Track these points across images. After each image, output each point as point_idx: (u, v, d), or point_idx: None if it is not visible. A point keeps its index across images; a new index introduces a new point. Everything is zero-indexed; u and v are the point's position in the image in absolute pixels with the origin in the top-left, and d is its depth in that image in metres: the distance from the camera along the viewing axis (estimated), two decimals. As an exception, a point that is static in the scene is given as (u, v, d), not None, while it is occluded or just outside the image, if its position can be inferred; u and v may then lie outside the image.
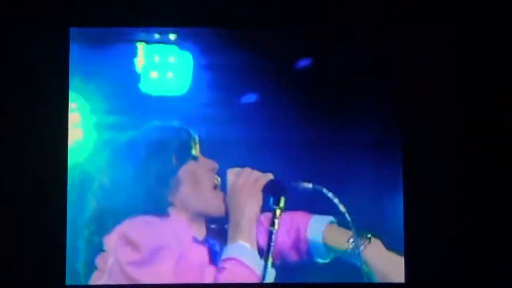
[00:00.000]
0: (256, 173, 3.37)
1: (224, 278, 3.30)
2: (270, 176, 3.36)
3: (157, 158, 3.46)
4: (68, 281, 3.29)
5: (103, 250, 3.32)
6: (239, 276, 3.29)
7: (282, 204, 3.28)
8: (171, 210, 3.39)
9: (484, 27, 3.45)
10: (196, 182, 3.43)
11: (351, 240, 3.29)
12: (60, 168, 3.31)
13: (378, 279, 3.29)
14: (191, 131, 3.50)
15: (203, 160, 3.47)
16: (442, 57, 3.47)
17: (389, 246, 3.30)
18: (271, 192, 3.31)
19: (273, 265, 3.26)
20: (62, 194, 3.29)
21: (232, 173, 3.39)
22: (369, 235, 3.29)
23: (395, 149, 3.43)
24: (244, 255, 3.31)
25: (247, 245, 3.31)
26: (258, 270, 3.27)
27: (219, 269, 3.32)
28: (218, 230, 3.42)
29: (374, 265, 3.30)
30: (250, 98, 3.55)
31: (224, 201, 3.39)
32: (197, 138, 3.49)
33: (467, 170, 3.42)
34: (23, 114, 3.38)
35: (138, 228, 3.36)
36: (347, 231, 3.29)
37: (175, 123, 3.55)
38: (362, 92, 3.47)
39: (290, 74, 3.48)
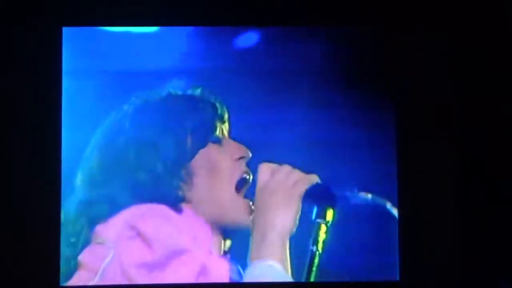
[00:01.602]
0: (298, 174, 2.71)
1: None
2: (315, 179, 2.74)
3: (166, 137, 2.81)
4: (62, 281, 3.20)
5: (98, 243, 2.73)
6: None
7: (329, 217, 2.66)
8: (184, 207, 2.77)
9: (484, 27, 3.46)
10: (215, 174, 2.76)
11: None
12: (53, 167, 3.28)
13: None
14: (219, 104, 2.90)
15: (230, 144, 2.84)
16: (442, 58, 3.47)
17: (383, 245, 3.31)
18: (314, 201, 2.68)
19: None
20: (56, 193, 3.26)
21: (265, 169, 2.73)
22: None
23: (390, 148, 3.43)
24: (273, 278, 2.63)
25: (277, 266, 2.62)
26: None
27: None
28: (238, 245, 2.76)
29: None
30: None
31: (247, 208, 2.75)
32: (226, 114, 2.90)
33: (463, 169, 3.42)
34: (15, 114, 3.36)
35: (151, 219, 2.68)
36: None
37: (197, 91, 2.95)
38: (360, 92, 3.43)
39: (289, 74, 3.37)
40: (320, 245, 2.64)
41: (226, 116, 2.88)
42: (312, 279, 2.61)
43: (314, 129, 3.31)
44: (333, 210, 2.66)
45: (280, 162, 2.78)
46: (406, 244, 3.36)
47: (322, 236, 2.64)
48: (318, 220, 2.65)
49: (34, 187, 3.30)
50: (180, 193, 2.75)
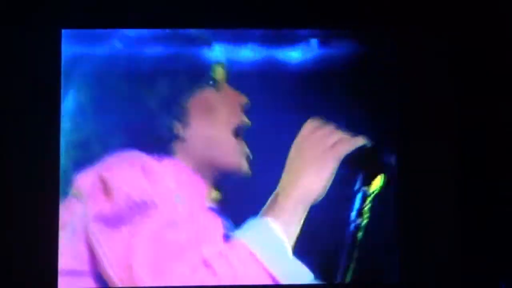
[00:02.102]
0: (341, 134, 2.54)
1: (214, 273, 2.42)
2: (360, 141, 2.53)
3: (163, 75, 2.72)
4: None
5: (74, 194, 2.64)
6: (239, 272, 2.45)
7: (377, 185, 2.40)
8: (177, 148, 2.66)
9: (484, 27, 3.47)
10: (211, 117, 2.68)
11: None
12: (52, 167, 3.27)
13: None
14: (218, 47, 2.86)
15: (227, 90, 2.77)
16: (442, 58, 3.48)
17: (382, 245, 3.31)
18: (359, 166, 2.43)
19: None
20: (55, 193, 3.25)
21: (309, 125, 2.61)
22: None
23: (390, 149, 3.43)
24: (260, 243, 2.48)
25: (276, 227, 2.48)
26: (280, 273, 2.50)
27: (216, 256, 2.44)
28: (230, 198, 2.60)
29: None
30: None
31: (245, 153, 2.68)
32: (224, 59, 2.85)
33: (463, 169, 3.42)
34: (15, 114, 3.36)
35: (122, 167, 2.54)
36: None
37: (197, 31, 2.87)
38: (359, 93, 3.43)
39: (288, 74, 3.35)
40: (365, 216, 2.42)
41: (224, 61, 2.82)
42: (353, 260, 2.42)
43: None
44: (383, 176, 2.41)
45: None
46: (406, 245, 3.35)
47: (367, 206, 2.38)
48: (364, 188, 2.42)
49: (34, 187, 3.30)
50: (175, 131, 2.65)
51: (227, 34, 3.09)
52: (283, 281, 2.72)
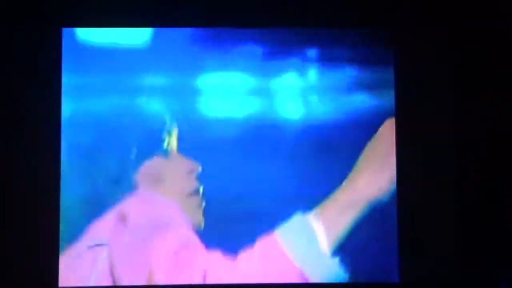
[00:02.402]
0: None
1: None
2: None
3: (109, 147, 2.89)
4: (61, 283, 3.24)
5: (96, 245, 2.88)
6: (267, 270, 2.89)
7: None
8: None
9: (484, 27, 3.46)
10: (159, 187, 2.89)
11: None
12: (53, 167, 3.29)
13: None
14: (168, 118, 2.97)
15: (178, 159, 2.95)
16: (442, 58, 3.48)
17: (383, 249, 3.33)
18: None
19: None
20: (56, 194, 3.26)
21: (389, 123, 3.05)
22: None
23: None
24: (294, 240, 2.94)
25: (316, 226, 2.92)
26: (311, 272, 2.94)
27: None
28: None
29: None
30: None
31: (200, 208, 2.94)
32: (175, 129, 2.98)
33: (462, 171, 3.42)
34: (16, 113, 3.36)
35: (136, 203, 2.87)
36: None
37: (149, 104, 2.97)
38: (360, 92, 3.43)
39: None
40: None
41: (174, 131, 2.95)
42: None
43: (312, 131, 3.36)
44: None
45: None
46: (406, 245, 3.36)
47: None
48: None
49: (34, 187, 3.29)
50: (123, 206, 2.88)
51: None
52: (313, 279, 3.03)
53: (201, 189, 3.02)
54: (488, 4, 3.43)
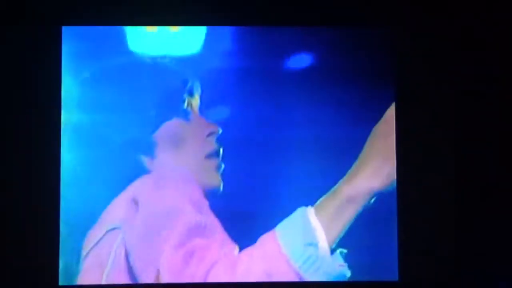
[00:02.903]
0: None
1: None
2: None
3: (128, 106, 2.82)
4: (61, 281, 3.25)
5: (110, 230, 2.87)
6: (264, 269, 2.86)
7: None
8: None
9: (484, 27, 3.44)
10: (180, 149, 2.82)
11: None
12: (53, 167, 3.29)
13: None
14: (190, 78, 2.87)
15: (198, 120, 2.89)
16: (442, 57, 3.46)
17: (382, 247, 3.33)
18: None
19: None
20: (55, 193, 3.27)
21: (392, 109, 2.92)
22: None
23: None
24: (292, 237, 2.90)
25: (314, 222, 2.88)
26: (307, 269, 2.90)
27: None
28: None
29: None
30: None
31: (218, 170, 2.90)
32: (198, 90, 2.90)
33: (463, 168, 3.41)
34: (15, 113, 3.36)
35: (149, 187, 2.83)
36: None
37: (167, 61, 2.90)
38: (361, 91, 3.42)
39: (289, 74, 3.37)
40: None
41: (197, 91, 2.87)
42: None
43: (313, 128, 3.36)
44: None
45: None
46: (406, 244, 3.36)
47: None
48: None
49: (34, 187, 3.30)
50: (146, 165, 2.80)
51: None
52: (309, 277, 3.00)
53: (220, 151, 2.96)
54: (488, 4, 3.41)
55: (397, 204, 3.36)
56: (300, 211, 3.18)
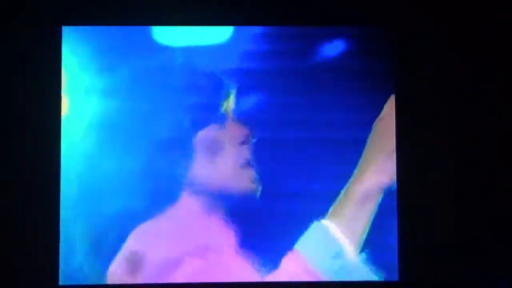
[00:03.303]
0: None
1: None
2: None
3: (164, 112, 2.71)
4: (61, 281, 3.25)
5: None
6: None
7: None
8: (183, 192, 2.75)
9: (484, 27, 3.44)
10: (216, 155, 2.71)
11: None
12: (53, 167, 3.29)
13: None
14: (225, 80, 2.78)
15: (233, 127, 2.79)
16: (441, 57, 3.46)
17: (384, 249, 3.33)
18: None
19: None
20: (55, 194, 3.27)
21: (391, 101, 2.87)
22: None
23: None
24: (314, 249, 2.80)
25: (332, 227, 2.77)
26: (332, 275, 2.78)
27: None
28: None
29: None
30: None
31: (254, 181, 2.81)
32: (234, 90, 2.84)
33: (463, 168, 3.41)
34: (15, 112, 3.36)
35: (144, 240, 2.76)
36: None
37: (203, 65, 2.77)
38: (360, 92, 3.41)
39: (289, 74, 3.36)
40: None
41: (232, 93, 2.80)
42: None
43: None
44: None
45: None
46: (406, 244, 3.35)
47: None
48: None
49: (34, 187, 3.30)
50: (178, 173, 2.69)
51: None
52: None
53: (253, 161, 2.90)
54: (488, 4, 3.41)
55: (397, 203, 3.36)
56: (316, 224, 3.11)
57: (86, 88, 3.28)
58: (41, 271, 3.26)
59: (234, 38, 3.23)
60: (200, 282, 3.14)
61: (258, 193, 2.95)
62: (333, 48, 3.41)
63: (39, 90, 3.36)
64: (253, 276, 3.04)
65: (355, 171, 3.23)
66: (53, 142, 3.32)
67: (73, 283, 3.23)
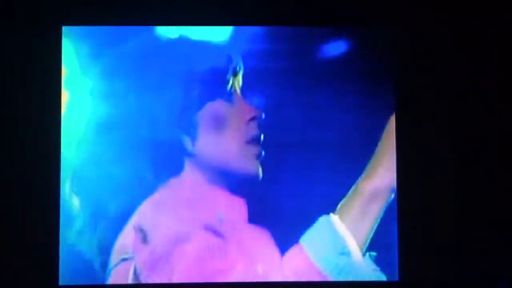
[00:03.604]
0: None
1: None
2: None
3: (172, 83, 2.69)
4: (61, 281, 3.25)
5: (123, 259, 2.82)
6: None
7: None
8: (186, 164, 2.73)
9: (484, 27, 3.44)
10: (222, 131, 2.70)
11: None
12: (53, 165, 3.29)
13: None
14: (234, 57, 2.78)
15: (241, 104, 2.78)
16: (441, 57, 3.46)
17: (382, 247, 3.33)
18: None
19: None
20: (55, 193, 3.27)
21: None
22: None
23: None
24: (319, 245, 2.76)
25: (339, 226, 2.74)
26: (336, 273, 2.78)
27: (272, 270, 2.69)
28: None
29: None
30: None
31: (258, 158, 2.77)
32: (241, 69, 2.81)
33: (463, 168, 3.41)
34: (15, 112, 3.36)
35: (153, 211, 2.70)
36: None
37: (212, 39, 2.76)
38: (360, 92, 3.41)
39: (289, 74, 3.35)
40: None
41: (240, 69, 2.79)
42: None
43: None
44: None
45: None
46: (406, 244, 3.36)
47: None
48: None
49: (34, 186, 3.30)
50: (183, 145, 2.67)
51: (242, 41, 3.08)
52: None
53: (261, 137, 2.87)
54: (488, 4, 3.41)
55: (397, 204, 3.36)
56: (323, 219, 3.10)
57: (86, 87, 3.28)
58: (41, 271, 3.26)
59: (234, 38, 3.23)
60: (200, 282, 3.12)
61: (260, 174, 2.90)
62: (333, 48, 3.42)
63: (39, 90, 3.36)
64: (270, 251, 3.01)
65: (367, 169, 3.20)
66: (53, 142, 3.32)
67: (73, 283, 3.23)
